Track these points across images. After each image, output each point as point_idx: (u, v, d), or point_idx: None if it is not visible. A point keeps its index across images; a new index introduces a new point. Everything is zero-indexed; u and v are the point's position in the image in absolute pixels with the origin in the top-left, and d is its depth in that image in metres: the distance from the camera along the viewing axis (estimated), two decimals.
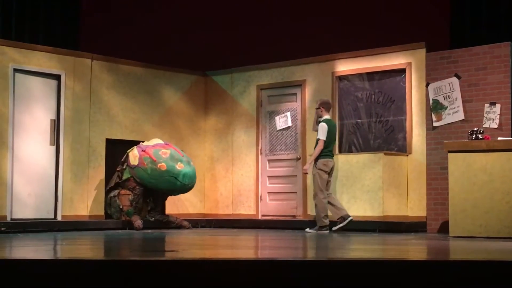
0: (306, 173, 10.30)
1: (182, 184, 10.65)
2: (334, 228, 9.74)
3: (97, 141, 11.10)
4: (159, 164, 10.53)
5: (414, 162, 10.32)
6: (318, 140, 9.89)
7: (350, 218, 9.69)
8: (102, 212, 11.01)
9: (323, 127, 9.88)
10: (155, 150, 10.69)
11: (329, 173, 9.93)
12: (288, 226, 10.95)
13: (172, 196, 11.37)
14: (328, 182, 9.91)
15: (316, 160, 9.88)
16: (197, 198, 12.43)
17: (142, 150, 10.71)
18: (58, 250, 6.54)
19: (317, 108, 10.15)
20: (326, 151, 9.90)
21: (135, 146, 10.89)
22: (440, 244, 7.48)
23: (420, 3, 11.83)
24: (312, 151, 11.17)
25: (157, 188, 10.75)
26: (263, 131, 12.02)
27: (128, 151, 10.88)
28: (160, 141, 11.00)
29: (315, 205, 9.88)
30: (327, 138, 9.86)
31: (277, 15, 13.03)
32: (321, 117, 10.07)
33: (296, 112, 11.66)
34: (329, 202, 9.85)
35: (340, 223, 9.72)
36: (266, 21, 12.99)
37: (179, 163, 10.62)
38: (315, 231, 9.79)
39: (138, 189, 10.72)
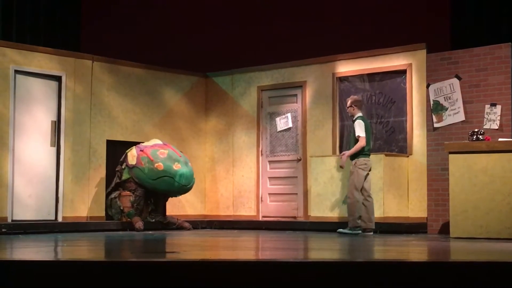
0: (342, 167, 9.64)
1: (179, 185, 10.64)
2: (352, 231, 9.41)
3: (98, 142, 11.11)
4: (156, 164, 10.53)
5: (414, 163, 10.32)
6: (358, 137, 9.40)
7: (370, 234, 9.34)
8: (103, 214, 11.02)
9: (360, 124, 9.45)
10: (153, 150, 10.70)
11: (367, 174, 9.51)
12: (288, 227, 10.95)
13: (173, 198, 11.37)
14: (364, 183, 9.46)
15: (354, 157, 9.44)
16: (198, 199, 12.44)
17: (141, 150, 10.73)
18: (59, 252, 6.54)
19: (349, 107, 9.70)
20: (366, 150, 9.49)
21: (134, 146, 10.90)
22: (440, 245, 7.48)
23: (421, 4, 11.84)
24: (313, 153, 11.18)
25: (156, 189, 10.74)
26: (263, 132, 12.03)
27: (127, 151, 10.89)
28: (159, 142, 11.01)
29: (349, 204, 9.43)
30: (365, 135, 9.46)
31: (278, 16, 13.04)
32: (353, 115, 9.64)
33: (296, 113, 11.67)
34: (363, 205, 9.44)
35: (359, 230, 9.37)
36: (266, 23, 13.00)
37: (176, 163, 10.61)
38: (350, 231, 9.34)
39: (139, 191, 10.72)
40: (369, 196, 9.49)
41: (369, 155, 9.59)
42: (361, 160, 9.46)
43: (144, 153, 10.66)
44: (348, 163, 9.64)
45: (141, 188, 10.73)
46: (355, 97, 9.91)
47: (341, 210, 10.30)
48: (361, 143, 9.42)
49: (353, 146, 9.57)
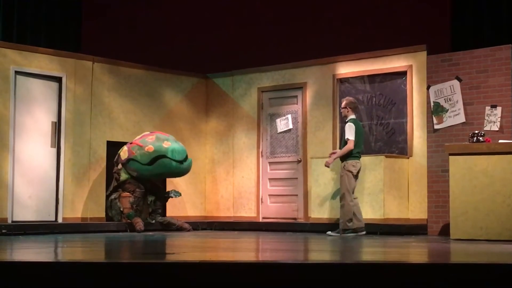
0: (327, 166, 9.78)
1: (177, 165, 10.63)
2: (341, 234, 9.47)
3: (98, 143, 11.11)
4: (147, 147, 10.59)
5: (415, 164, 10.31)
6: (347, 140, 9.48)
7: (363, 233, 9.41)
8: (103, 215, 11.02)
9: (350, 127, 9.51)
10: (142, 139, 10.81)
11: (356, 176, 9.59)
12: (289, 229, 10.95)
13: (173, 198, 11.37)
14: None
15: (343, 159, 9.50)
16: (198, 200, 12.44)
17: (130, 143, 10.81)
18: (59, 253, 6.54)
19: (343, 108, 9.78)
20: (355, 153, 9.53)
21: (125, 145, 10.94)
22: (441, 247, 7.48)
23: (421, 6, 11.84)
24: (314, 154, 11.19)
25: (155, 175, 10.75)
26: (264, 134, 12.02)
27: (119, 151, 10.91)
28: (147, 132, 11.08)
29: (341, 206, 9.52)
30: (356, 138, 9.50)
31: (278, 17, 13.04)
32: (346, 117, 9.72)
33: (297, 114, 11.67)
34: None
35: (351, 232, 9.42)
36: (267, 24, 13.00)
37: (165, 141, 10.69)
38: (338, 234, 9.48)
39: (139, 192, 10.73)
40: (355, 198, 9.58)
41: (359, 157, 9.64)
42: (349, 162, 9.54)
43: (133, 144, 10.77)
44: (336, 164, 9.79)
45: (140, 189, 10.73)
46: (350, 98, 9.97)
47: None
48: (349, 145, 9.49)
49: (341, 147, 9.68)
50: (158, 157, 10.56)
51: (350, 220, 9.47)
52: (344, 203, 9.50)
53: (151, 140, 10.72)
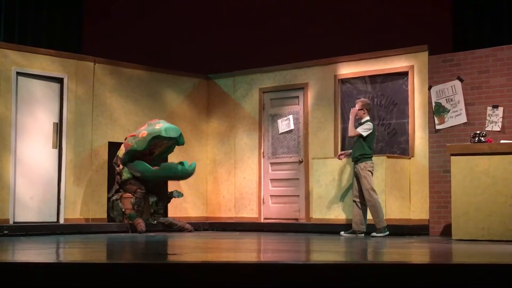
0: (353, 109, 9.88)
1: (182, 168, 10.68)
2: (384, 233, 9.39)
3: (100, 144, 11.11)
4: (140, 134, 10.65)
5: (416, 165, 10.31)
6: (358, 132, 9.54)
7: (362, 235, 9.43)
8: (105, 215, 11.02)
9: (369, 125, 9.56)
10: (135, 131, 10.85)
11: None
12: (290, 229, 10.94)
13: (175, 199, 11.37)
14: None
15: (361, 161, 9.49)
16: (200, 201, 12.44)
17: (124, 139, 10.89)
18: (61, 254, 6.54)
19: (359, 110, 9.73)
20: (372, 154, 9.64)
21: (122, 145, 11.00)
22: (442, 247, 7.47)
23: (423, 6, 11.84)
24: (315, 155, 11.19)
25: (160, 178, 10.87)
26: (265, 134, 12.02)
27: (117, 153, 10.92)
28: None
29: (372, 206, 9.44)
30: (370, 139, 9.58)
31: (279, 18, 13.03)
32: (361, 118, 9.73)
33: (298, 115, 11.67)
34: (359, 208, 9.57)
35: (387, 231, 9.39)
36: (268, 24, 12.99)
37: (157, 124, 10.75)
38: (382, 234, 9.32)
39: (140, 192, 10.73)
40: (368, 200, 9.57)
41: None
42: (369, 163, 9.58)
43: (128, 137, 10.84)
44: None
45: (141, 190, 10.73)
46: (365, 100, 9.97)
47: (343, 212, 10.29)
48: (351, 133, 9.68)
49: (356, 147, 9.68)
50: (153, 138, 10.60)
51: (383, 215, 9.44)
52: (373, 203, 9.44)
53: (143, 127, 10.81)
